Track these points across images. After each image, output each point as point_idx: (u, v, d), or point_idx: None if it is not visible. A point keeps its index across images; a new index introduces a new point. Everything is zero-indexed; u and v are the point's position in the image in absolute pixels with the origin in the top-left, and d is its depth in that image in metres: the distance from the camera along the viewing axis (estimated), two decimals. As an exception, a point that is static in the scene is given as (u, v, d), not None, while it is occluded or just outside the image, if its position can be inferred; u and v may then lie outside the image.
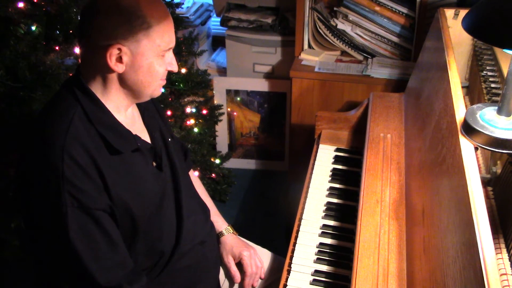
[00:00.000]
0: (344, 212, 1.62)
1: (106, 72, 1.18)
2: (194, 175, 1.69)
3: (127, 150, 1.22)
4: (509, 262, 1.03)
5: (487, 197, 1.20)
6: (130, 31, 1.14)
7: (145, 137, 1.32)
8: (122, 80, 1.20)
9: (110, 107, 1.22)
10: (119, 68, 1.17)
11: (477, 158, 1.27)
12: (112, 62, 1.15)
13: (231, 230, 1.61)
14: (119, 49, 1.15)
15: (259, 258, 1.58)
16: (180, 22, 2.28)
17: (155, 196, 1.30)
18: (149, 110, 1.39)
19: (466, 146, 1.13)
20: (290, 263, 1.45)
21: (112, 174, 1.17)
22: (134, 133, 1.26)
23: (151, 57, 1.19)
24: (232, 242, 1.58)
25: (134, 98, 1.26)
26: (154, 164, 1.33)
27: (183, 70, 2.45)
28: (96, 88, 1.20)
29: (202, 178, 2.61)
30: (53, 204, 1.11)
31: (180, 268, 1.39)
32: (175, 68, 1.26)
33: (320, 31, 2.52)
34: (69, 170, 1.11)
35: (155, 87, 1.25)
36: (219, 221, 1.61)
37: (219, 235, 1.59)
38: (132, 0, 1.14)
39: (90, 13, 1.16)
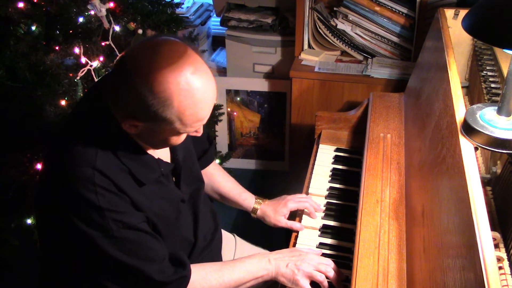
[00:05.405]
0: (344, 212, 1.62)
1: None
2: (215, 165, 1.69)
3: (150, 180, 1.21)
4: (508, 262, 1.04)
5: (485, 196, 1.20)
6: (153, 119, 1.08)
7: (167, 157, 1.32)
8: (138, 135, 1.17)
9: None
10: (133, 131, 1.14)
11: (477, 158, 1.27)
12: (125, 126, 1.12)
13: (260, 201, 1.66)
14: (135, 125, 1.12)
15: (297, 195, 1.66)
16: (180, 22, 2.28)
17: (171, 214, 1.31)
18: None
19: (466, 146, 1.13)
20: (290, 263, 1.45)
21: (139, 199, 1.19)
22: (156, 156, 1.25)
23: (167, 135, 1.16)
24: (270, 208, 1.63)
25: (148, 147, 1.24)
26: (174, 179, 1.33)
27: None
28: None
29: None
30: (102, 232, 1.13)
31: None
32: (199, 135, 1.21)
33: (320, 31, 2.51)
34: (104, 199, 1.12)
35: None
36: (247, 198, 1.66)
37: (253, 211, 1.65)
38: (168, 94, 1.06)
39: (122, 81, 1.07)
